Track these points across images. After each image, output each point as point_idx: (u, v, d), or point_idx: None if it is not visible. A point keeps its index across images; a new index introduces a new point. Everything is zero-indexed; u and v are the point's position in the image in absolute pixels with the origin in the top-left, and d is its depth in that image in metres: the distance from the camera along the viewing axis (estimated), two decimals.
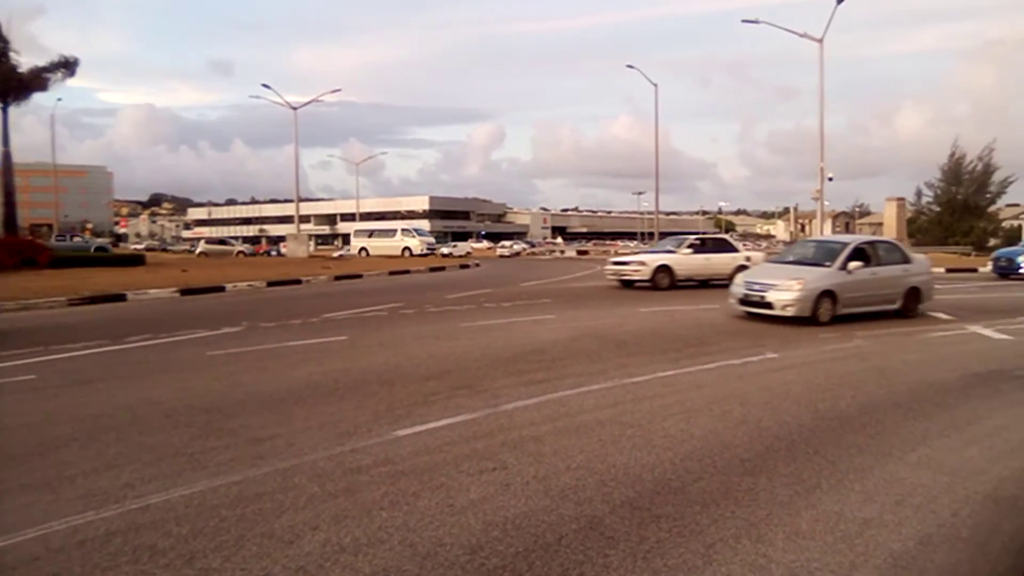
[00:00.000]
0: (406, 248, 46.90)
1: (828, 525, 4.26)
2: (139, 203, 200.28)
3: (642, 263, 21.12)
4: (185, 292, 20.82)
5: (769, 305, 13.17)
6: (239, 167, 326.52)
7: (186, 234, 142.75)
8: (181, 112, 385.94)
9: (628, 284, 21.38)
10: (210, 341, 11.42)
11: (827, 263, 13.75)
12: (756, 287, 13.67)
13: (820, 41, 37.89)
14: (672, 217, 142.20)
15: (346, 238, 56.05)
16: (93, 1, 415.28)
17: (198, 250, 57.01)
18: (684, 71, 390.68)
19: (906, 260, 14.60)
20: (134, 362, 9.79)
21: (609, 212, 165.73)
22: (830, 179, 39.72)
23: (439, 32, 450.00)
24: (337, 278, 27.54)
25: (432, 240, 49.26)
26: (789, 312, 12.86)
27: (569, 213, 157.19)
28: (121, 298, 19.03)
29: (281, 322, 13.74)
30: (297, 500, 4.62)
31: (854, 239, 14.94)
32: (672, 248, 21.86)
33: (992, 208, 60.20)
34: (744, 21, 38.50)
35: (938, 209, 59.56)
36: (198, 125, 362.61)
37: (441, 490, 4.79)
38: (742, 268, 19.16)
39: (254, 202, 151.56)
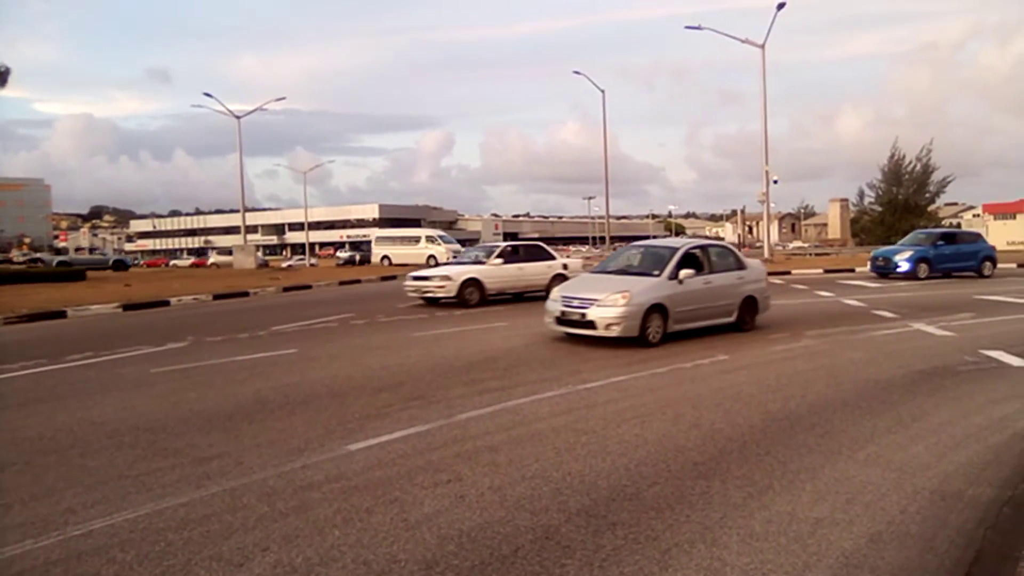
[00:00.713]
0: (431, 256, 42.72)
1: (781, 526, 4.30)
2: (79, 216, 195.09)
3: (447, 277, 18.44)
4: (128, 307, 20.27)
5: (591, 324, 11.22)
6: (182, 177, 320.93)
7: (128, 247, 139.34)
8: (121, 122, 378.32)
9: (433, 302, 18.56)
10: (154, 358, 11.12)
11: (655, 272, 11.98)
12: (575, 303, 11.56)
13: (762, 47, 38.70)
14: (623, 221, 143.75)
15: (295, 248, 56.12)
16: (27, 10, 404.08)
17: (287, 262, 56.22)
18: (630, 76, 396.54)
19: (740, 266, 13.23)
20: (75, 381, 9.48)
21: (560, 217, 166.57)
22: (775, 181, 40.55)
23: (386, 39, 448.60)
24: (286, 289, 27.11)
25: (459, 247, 43.63)
26: (614, 332, 10.98)
27: (521, 219, 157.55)
28: (61, 315, 18.46)
29: (228, 336, 13.46)
30: (246, 521, 4.50)
31: (684, 243, 13.24)
32: (482, 258, 19.58)
33: (932, 207, 61.88)
34: (687, 27, 38.99)
35: (880, 209, 60.98)
36: (139, 135, 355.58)
37: (395, 505, 4.72)
38: (560, 278, 18.17)
39: (199, 213, 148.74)
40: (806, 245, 72.41)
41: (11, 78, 36.19)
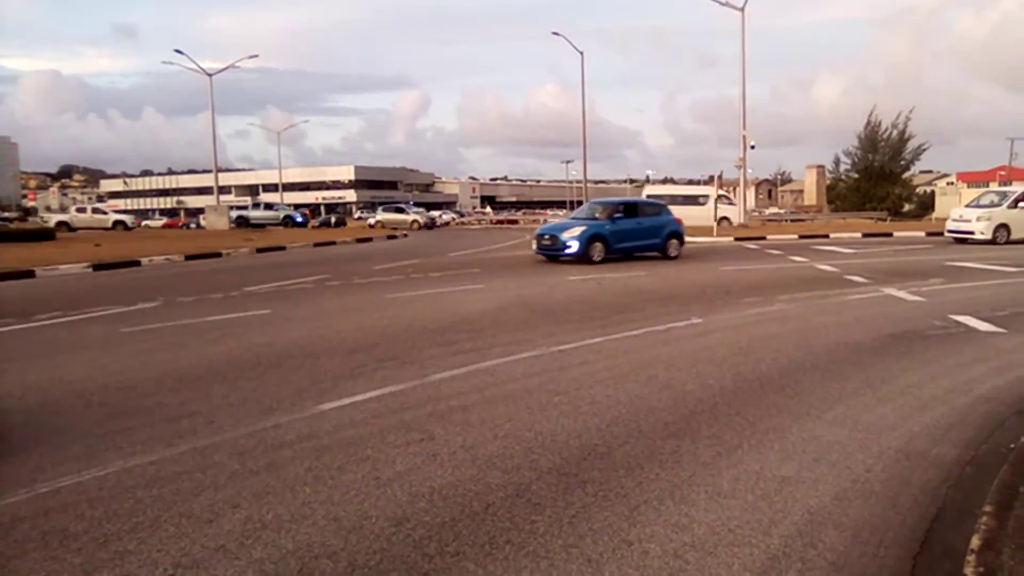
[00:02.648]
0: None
1: (748, 484, 4.36)
2: (48, 175, 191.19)
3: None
4: (98, 267, 20.00)
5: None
6: (153, 136, 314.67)
7: (100, 206, 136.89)
8: (90, 79, 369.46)
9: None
10: (125, 317, 10.99)
11: (598, 217, 20.29)
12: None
13: (741, 10, 38.51)
14: (600, 185, 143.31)
15: (269, 206, 55.99)
16: None
17: (374, 219, 57.69)
18: (607, 39, 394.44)
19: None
20: (43, 341, 9.36)
21: (539, 181, 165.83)
22: (752, 147, 40.63)
23: None
24: (260, 250, 26.88)
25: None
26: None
27: (498, 182, 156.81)
28: (29, 275, 18.17)
29: (200, 296, 13.33)
30: (217, 478, 4.49)
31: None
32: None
33: (907, 175, 62.38)
34: None
35: (856, 176, 61.38)
36: (109, 93, 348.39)
37: (367, 463, 4.72)
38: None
39: (171, 173, 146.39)
40: (782, 211, 72.68)
41: None
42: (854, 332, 9.13)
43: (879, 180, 58.78)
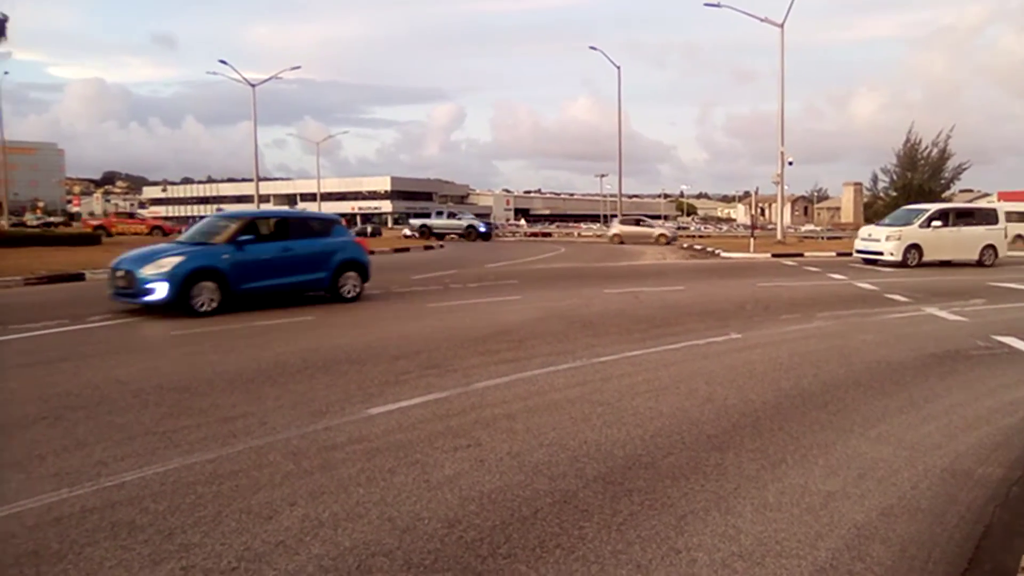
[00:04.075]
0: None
1: (794, 497, 4.40)
2: (92, 181, 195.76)
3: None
4: None
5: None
6: (193, 145, 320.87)
7: (142, 212, 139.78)
8: (134, 88, 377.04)
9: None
10: (174, 321, 11.28)
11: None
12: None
13: (781, 26, 38.36)
14: (635, 200, 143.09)
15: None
16: None
17: (611, 231, 51.16)
18: (642, 54, 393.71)
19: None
20: (98, 341, 9.65)
21: (572, 194, 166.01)
22: (790, 163, 40.36)
23: (400, 10, 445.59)
24: None
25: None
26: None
27: (532, 195, 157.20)
28: (80, 277, 18.66)
29: None
30: (273, 477, 4.64)
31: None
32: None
33: (946, 194, 61.52)
34: (706, 4, 38.68)
35: (894, 194, 60.63)
36: (151, 102, 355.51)
37: (416, 466, 4.85)
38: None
39: (211, 181, 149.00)
40: (818, 228, 72.08)
41: (25, 41, 36.09)
42: (896, 351, 9.09)
43: (918, 198, 57.95)
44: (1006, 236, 24.68)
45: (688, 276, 20.17)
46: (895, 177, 60.59)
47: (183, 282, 11.67)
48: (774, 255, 29.33)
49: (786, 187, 44.41)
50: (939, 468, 4.99)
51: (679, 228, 65.17)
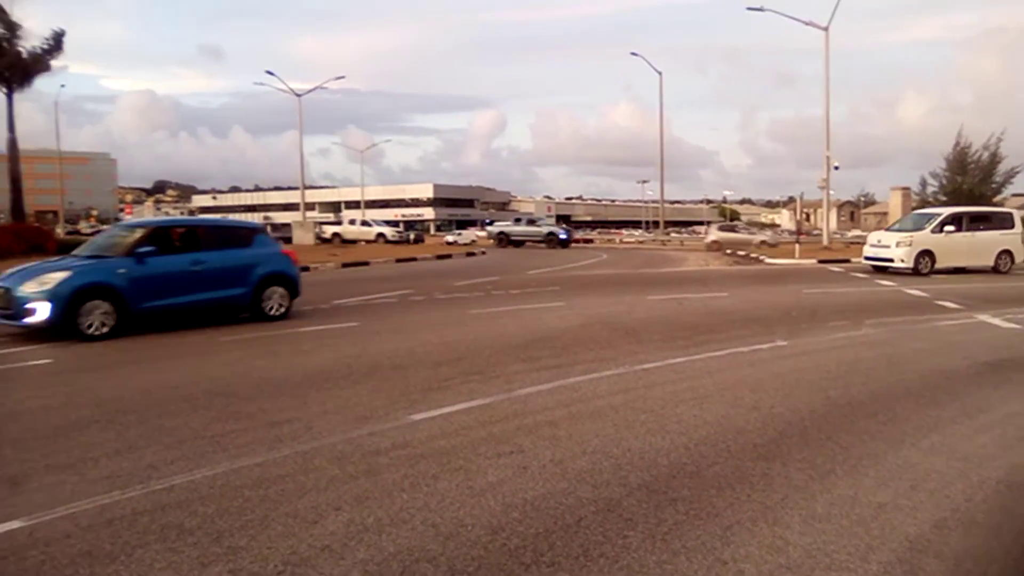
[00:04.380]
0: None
1: (844, 509, 4.31)
2: (143, 190, 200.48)
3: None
4: None
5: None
6: (240, 154, 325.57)
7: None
8: (183, 99, 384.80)
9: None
10: (221, 327, 11.49)
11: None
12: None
13: (826, 29, 37.79)
14: (676, 206, 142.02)
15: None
16: None
17: (709, 238, 47.89)
18: (683, 59, 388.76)
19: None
20: (148, 347, 9.87)
21: (613, 200, 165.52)
22: (836, 168, 39.79)
23: (443, 20, 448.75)
24: (344, 265, 27.60)
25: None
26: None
27: (573, 201, 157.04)
28: None
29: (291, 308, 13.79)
30: (319, 481, 4.69)
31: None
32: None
33: (998, 198, 59.88)
34: (749, 8, 38.27)
35: (944, 199, 59.16)
36: (200, 112, 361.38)
37: (460, 472, 4.86)
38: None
39: (258, 189, 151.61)
40: (865, 234, 70.82)
41: (81, 55, 37.30)
42: (948, 359, 8.87)
43: (968, 203, 56.60)
44: (1022, 240, 23.06)
45: (732, 282, 19.92)
46: (944, 182, 59.05)
47: (68, 301, 10.25)
48: (820, 261, 28.83)
49: (832, 192, 43.78)
50: (994, 480, 4.84)
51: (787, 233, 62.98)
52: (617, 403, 6.67)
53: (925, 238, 21.52)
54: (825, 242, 38.89)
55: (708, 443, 5.53)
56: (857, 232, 78.75)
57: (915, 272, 20.98)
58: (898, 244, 21.60)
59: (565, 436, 5.66)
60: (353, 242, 49.09)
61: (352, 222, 55.50)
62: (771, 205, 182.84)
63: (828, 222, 42.10)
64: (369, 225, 53.98)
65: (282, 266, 12.84)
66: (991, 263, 22.06)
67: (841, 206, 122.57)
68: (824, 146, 38.70)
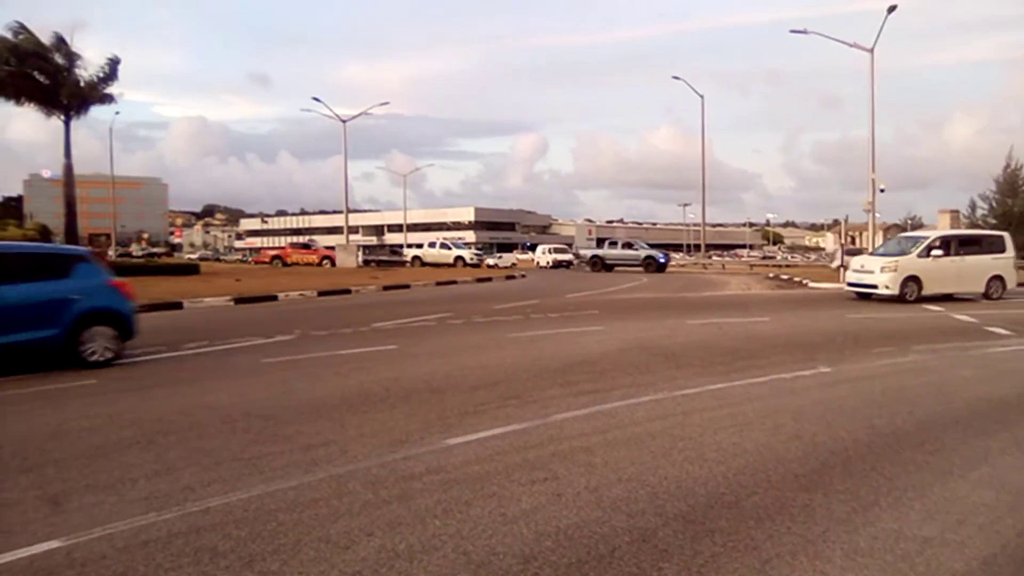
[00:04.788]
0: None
1: (888, 543, 4.18)
2: (193, 214, 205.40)
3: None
4: (239, 301, 21.23)
5: None
6: (287, 179, 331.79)
7: (238, 244, 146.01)
8: (233, 125, 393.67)
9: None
10: (264, 348, 11.64)
11: None
12: None
13: (871, 51, 37.31)
14: (719, 229, 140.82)
15: (393, 248, 57.24)
16: (151, 18, 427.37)
17: (834, 264, 43.61)
18: (724, 82, 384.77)
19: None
20: (191, 368, 10.02)
21: (655, 224, 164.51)
22: (882, 190, 39.00)
23: (484, 45, 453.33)
24: (386, 288, 27.82)
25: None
26: None
27: (614, 224, 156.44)
28: (178, 306, 19.47)
29: (332, 331, 13.94)
30: (352, 506, 4.69)
31: None
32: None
33: None
34: (792, 31, 37.90)
35: (994, 221, 57.78)
36: (249, 138, 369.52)
37: (493, 499, 4.82)
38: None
39: (303, 213, 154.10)
40: None
41: (135, 83, 38.41)
42: (998, 387, 8.60)
43: (1020, 226, 55.14)
44: (1014, 266, 21.93)
45: (774, 307, 19.61)
46: (994, 204, 57.76)
47: None
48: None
49: (878, 215, 42.99)
50: None
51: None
52: (654, 430, 6.58)
53: (911, 263, 20.31)
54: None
55: (747, 472, 5.42)
56: None
57: (900, 299, 19.88)
58: (882, 269, 20.35)
59: (601, 463, 5.59)
60: (434, 265, 49.17)
61: (432, 245, 54.49)
62: (815, 228, 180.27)
63: (874, 245, 41.29)
64: (448, 248, 53.41)
65: (108, 301, 10.57)
66: (981, 289, 20.88)
67: (887, 229, 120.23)
68: (870, 168, 38.05)
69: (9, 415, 7.31)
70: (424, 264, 50.36)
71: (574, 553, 4.00)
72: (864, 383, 8.83)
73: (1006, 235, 22.47)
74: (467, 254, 52.11)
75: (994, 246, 21.59)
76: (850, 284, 22.04)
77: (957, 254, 20.78)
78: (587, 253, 50.39)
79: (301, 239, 74.85)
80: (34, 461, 5.72)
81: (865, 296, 21.03)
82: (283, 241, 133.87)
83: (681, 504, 4.76)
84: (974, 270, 20.82)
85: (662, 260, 46.90)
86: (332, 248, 54.95)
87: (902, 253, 20.81)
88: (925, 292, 20.15)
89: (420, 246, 55.91)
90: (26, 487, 5.11)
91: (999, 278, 20.99)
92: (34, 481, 5.23)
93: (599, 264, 47.10)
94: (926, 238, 21.42)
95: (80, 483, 5.17)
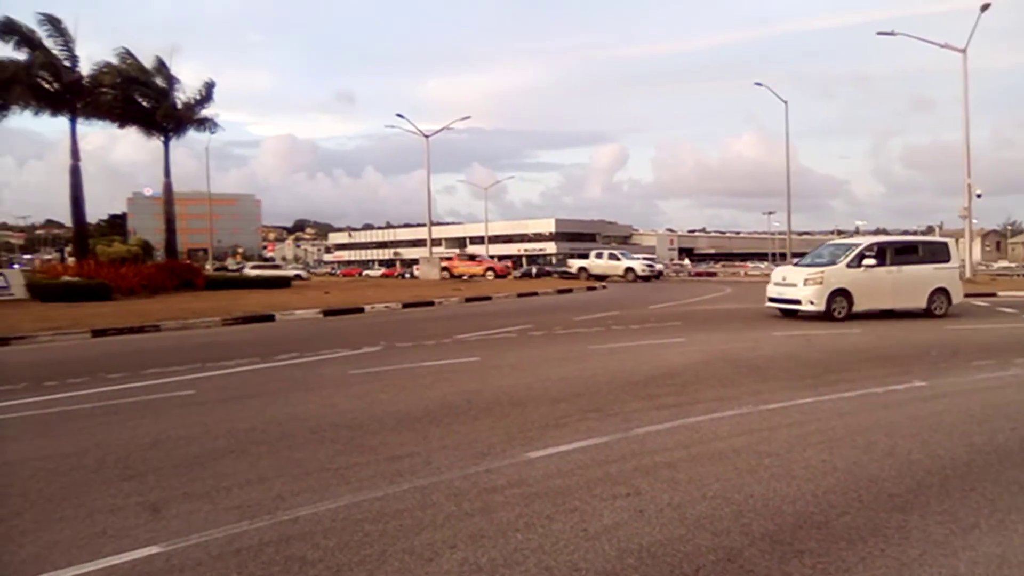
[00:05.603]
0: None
1: (989, 569, 3.98)
2: (284, 228, 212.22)
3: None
4: (328, 313, 21.83)
5: None
6: (372, 193, 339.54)
7: (327, 257, 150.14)
8: (321, 142, 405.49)
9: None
10: (351, 360, 11.93)
11: None
12: None
13: (963, 51, 35.85)
14: (805, 237, 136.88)
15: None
16: (244, 40, 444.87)
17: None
18: (807, 87, 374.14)
19: None
20: (282, 379, 10.35)
21: (738, 233, 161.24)
22: (978, 195, 37.38)
23: (563, 57, 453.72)
24: (467, 300, 28.12)
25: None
26: None
27: (696, 234, 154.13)
28: (270, 318, 20.15)
29: (416, 342, 14.18)
30: (435, 518, 4.75)
31: None
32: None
33: None
34: (879, 33, 36.85)
35: None
36: (336, 154, 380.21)
37: (575, 514, 4.81)
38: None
39: (389, 226, 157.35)
40: (1013, 265, 66.02)
41: (229, 104, 40.13)
42: None
43: None
44: (961, 277, 19.71)
45: (863, 317, 18.96)
46: None
47: None
48: (963, 295, 27.01)
49: (975, 221, 41.10)
50: None
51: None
52: (739, 445, 6.44)
53: (839, 274, 17.88)
54: (968, 274, 36.45)
55: (838, 491, 5.25)
56: (1005, 263, 73.60)
57: (828, 317, 17.59)
58: (806, 282, 17.88)
59: (684, 479, 5.51)
60: (601, 277, 46.67)
61: (599, 256, 50.43)
62: (907, 235, 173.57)
63: (971, 253, 39.48)
64: (617, 259, 49.26)
65: None
66: (923, 304, 18.54)
67: (985, 235, 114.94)
68: (965, 172, 36.53)
69: (114, 424, 7.69)
70: (590, 276, 47.77)
71: (657, 572, 3.96)
72: (962, 398, 8.45)
73: (950, 241, 20.34)
74: (638, 265, 48.27)
75: (937, 255, 19.10)
76: (771, 300, 19.26)
77: (894, 264, 18.34)
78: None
79: (467, 251, 75.51)
80: (136, 469, 6.00)
81: (790, 313, 18.66)
82: (369, 254, 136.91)
83: (768, 523, 4.65)
84: (914, 282, 18.43)
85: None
86: (494, 258, 56.14)
87: (831, 263, 18.36)
88: (857, 308, 17.85)
89: (584, 256, 52.65)
90: (128, 494, 5.37)
91: (943, 291, 18.69)
92: (136, 488, 5.49)
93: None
94: (858, 245, 18.86)
95: (178, 491, 5.40)
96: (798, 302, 17.98)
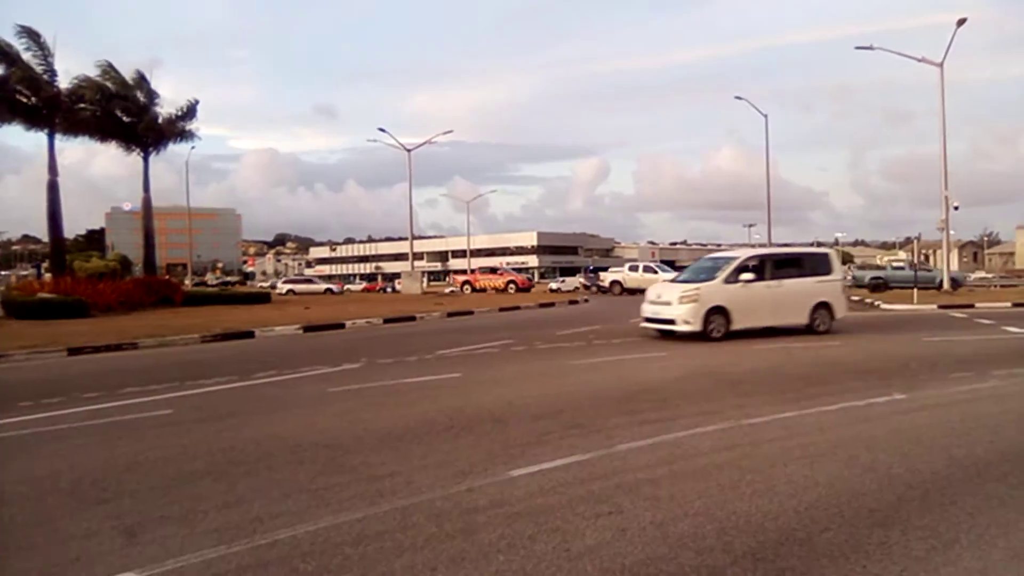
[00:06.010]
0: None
1: None
2: (265, 243, 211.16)
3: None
4: (308, 329, 21.68)
5: None
6: (354, 207, 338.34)
7: (308, 271, 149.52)
8: (303, 156, 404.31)
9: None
10: (331, 377, 11.84)
11: None
12: None
13: (940, 65, 36.41)
14: (786, 249, 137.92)
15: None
16: (226, 56, 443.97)
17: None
18: (787, 101, 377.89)
19: None
20: (261, 398, 10.25)
21: (719, 245, 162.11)
22: (955, 207, 37.82)
23: (545, 71, 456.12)
24: (449, 315, 28.05)
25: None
26: None
27: (677, 247, 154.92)
28: (250, 335, 19.98)
29: (397, 359, 14.11)
30: (416, 540, 4.70)
31: None
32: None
33: None
34: (858, 48, 37.42)
35: None
36: (317, 168, 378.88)
37: (557, 534, 4.78)
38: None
39: (370, 240, 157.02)
40: (990, 276, 66.80)
41: (210, 118, 39.98)
42: None
43: None
44: (844, 290, 18.98)
45: (844, 330, 19.08)
46: None
47: None
48: (940, 306, 27.31)
49: (952, 232, 41.57)
50: None
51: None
52: (721, 461, 6.44)
53: (715, 291, 16.88)
54: (946, 286, 36.84)
55: (820, 507, 5.25)
56: (981, 274, 74.51)
57: (705, 336, 16.53)
58: (681, 300, 16.80)
59: (666, 496, 5.50)
60: (634, 291, 43.33)
61: (634, 268, 48.23)
62: (886, 247, 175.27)
63: (948, 264, 39.91)
64: (654, 271, 45.74)
65: None
66: (804, 320, 17.66)
67: (963, 247, 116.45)
68: (942, 184, 36.98)
69: (90, 445, 7.57)
70: (624, 290, 45.81)
71: None
72: (941, 411, 8.51)
73: (831, 253, 19.63)
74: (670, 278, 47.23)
75: (818, 267, 18.27)
76: (647, 320, 18.03)
77: (773, 278, 17.45)
78: (863, 274, 45.32)
79: (489, 264, 74.83)
80: (112, 492, 5.90)
81: (667, 333, 17.32)
82: (351, 268, 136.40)
83: (750, 540, 4.64)
84: (794, 297, 17.52)
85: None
86: (516, 271, 56.37)
87: (708, 279, 17.34)
88: (735, 327, 16.86)
89: (605, 268, 52.94)
90: (104, 518, 5.28)
91: (826, 305, 17.83)
92: (111, 512, 5.40)
93: (882, 286, 41.64)
94: (735, 259, 17.76)
95: (155, 514, 5.31)
96: (673, 322, 16.93)
